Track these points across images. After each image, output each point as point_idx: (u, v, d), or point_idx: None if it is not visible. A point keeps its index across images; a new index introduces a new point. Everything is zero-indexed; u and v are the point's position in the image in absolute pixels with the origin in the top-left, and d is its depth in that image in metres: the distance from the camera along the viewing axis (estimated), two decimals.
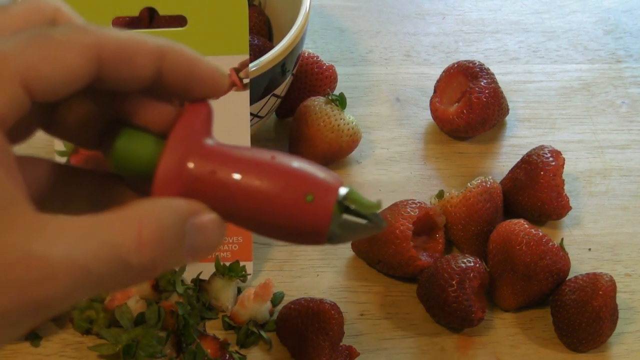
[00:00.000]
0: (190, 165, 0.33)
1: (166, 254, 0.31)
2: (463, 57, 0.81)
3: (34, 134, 0.35)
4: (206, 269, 0.64)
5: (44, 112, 0.34)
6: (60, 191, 0.36)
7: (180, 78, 0.33)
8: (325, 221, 0.32)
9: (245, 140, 0.63)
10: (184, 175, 0.33)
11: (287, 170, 0.33)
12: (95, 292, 0.30)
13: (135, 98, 0.34)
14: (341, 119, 0.71)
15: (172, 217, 0.31)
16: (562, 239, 0.64)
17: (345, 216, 0.33)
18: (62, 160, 0.35)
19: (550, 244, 0.62)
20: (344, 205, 0.33)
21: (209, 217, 0.33)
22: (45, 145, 0.62)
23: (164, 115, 0.34)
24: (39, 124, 0.35)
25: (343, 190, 0.33)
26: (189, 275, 0.64)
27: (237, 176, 0.33)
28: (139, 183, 0.36)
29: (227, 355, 0.61)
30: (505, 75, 0.82)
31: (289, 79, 0.70)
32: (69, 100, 0.34)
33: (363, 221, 0.33)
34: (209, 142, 0.34)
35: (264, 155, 0.33)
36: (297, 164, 0.33)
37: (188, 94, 0.34)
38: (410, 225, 0.64)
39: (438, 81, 0.77)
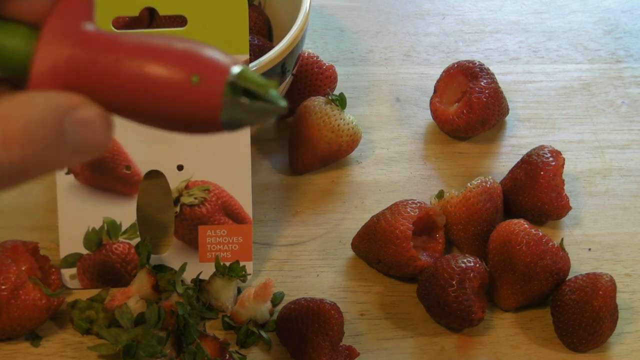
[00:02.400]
0: (68, 53, 0.30)
1: (40, 152, 0.28)
2: (463, 57, 0.81)
3: None
4: (206, 269, 0.64)
5: None
6: None
7: None
8: (215, 104, 0.30)
9: (246, 141, 0.63)
10: (61, 66, 0.30)
11: (171, 51, 0.30)
12: None
13: None
14: (341, 119, 0.71)
15: (42, 111, 0.28)
16: (562, 239, 0.64)
17: (241, 100, 0.30)
18: None
19: (550, 244, 0.62)
20: (237, 87, 0.30)
21: (91, 110, 0.30)
22: None
23: (37, 3, 0.31)
24: None
25: (235, 70, 0.30)
26: (189, 275, 0.64)
27: (117, 62, 0.30)
28: (19, 83, 0.32)
29: (227, 355, 0.61)
30: (505, 75, 0.82)
31: (289, 79, 0.70)
32: None
33: (260, 103, 0.30)
34: (88, 27, 0.31)
35: (148, 39, 0.31)
36: (181, 44, 0.30)
37: None
38: (410, 225, 0.64)
39: (438, 81, 0.77)
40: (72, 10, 0.31)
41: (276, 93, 0.31)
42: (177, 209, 0.65)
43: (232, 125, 0.31)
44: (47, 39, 0.30)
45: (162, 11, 0.58)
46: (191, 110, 0.30)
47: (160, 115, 0.30)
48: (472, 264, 0.62)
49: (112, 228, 0.64)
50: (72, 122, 0.29)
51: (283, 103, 0.31)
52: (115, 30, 0.31)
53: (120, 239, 0.65)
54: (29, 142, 0.28)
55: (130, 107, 0.30)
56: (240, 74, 0.30)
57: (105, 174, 0.64)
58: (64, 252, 0.64)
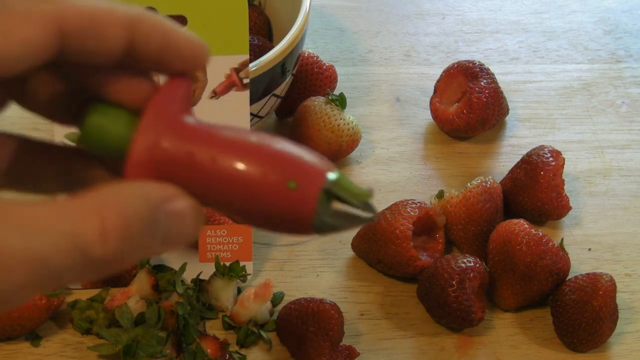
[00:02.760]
0: (166, 144, 0.30)
1: (134, 244, 0.28)
2: (463, 57, 0.81)
3: (8, 106, 0.33)
4: (206, 269, 0.64)
5: (13, 85, 0.32)
6: (32, 169, 0.34)
7: (155, 49, 0.31)
8: (309, 211, 0.30)
9: None
10: (158, 156, 0.30)
11: (269, 153, 0.30)
12: (56, 285, 0.28)
13: (108, 72, 0.31)
14: (341, 119, 0.71)
15: (140, 204, 0.28)
16: (562, 239, 0.64)
17: (334, 205, 0.30)
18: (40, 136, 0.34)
19: (550, 244, 0.62)
20: (332, 193, 0.30)
21: (184, 203, 0.30)
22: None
23: (139, 90, 0.31)
24: (10, 97, 0.32)
25: (331, 176, 0.30)
26: (189, 275, 0.64)
27: (215, 158, 0.30)
28: (114, 163, 0.33)
29: (227, 355, 0.61)
30: (505, 75, 0.82)
31: (289, 79, 0.70)
32: (38, 74, 0.31)
33: (353, 211, 0.30)
34: (187, 119, 0.31)
35: (246, 136, 0.31)
36: (281, 145, 0.30)
37: (165, 67, 0.31)
38: (410, 225, 0.64)
39: (438, 81, 0.77)
40: (171, 99, 0.31)
41: (370, 204, 0.31)
42: None
43: (323, 230, 0.31)
44: (146, 126, 0.30)
45: (162, 11, 0.58)
46: (285, 213, 0.30)
47: (252, 214, 0.30)
48: (472, 264, 0.62)
49: None
50: (166, 214, 0.29)
51: (375, 214, 0.31)
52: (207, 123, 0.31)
53: None
54: (126, 236, 0.28)
55: (223, 202, 0.30)
56: (336, 182, 0.30)
57: None
58: None
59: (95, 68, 0.31)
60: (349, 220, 0.31)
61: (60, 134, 0.56)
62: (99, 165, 0.34)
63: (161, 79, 0.32)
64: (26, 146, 0.34)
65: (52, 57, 0.29)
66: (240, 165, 0.30)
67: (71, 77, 0.32)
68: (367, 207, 0.31)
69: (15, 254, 0.26)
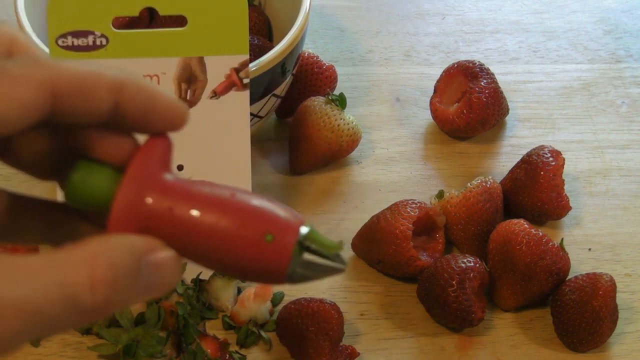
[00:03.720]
0: (148, 200, 0.32)
1: (120, 292, 0.30)
2: (463, 57, 0.81)
3: None
4: (206, 269, 0.64)
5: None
6: (14, 221, 0.35)
7: (138, 111, 0.33)
8: (284, 262, 0.32)
9: (245, 141, 0.63)
10: (140, 210, 0.32)
11: (246, 208, 0.32)
12: (47, 333, 0.29)
13: (93, 131, 0.33)
14: (341, 119, 0.71)
15: (126, 255, 0.30)
16: (562, 239, 0.64)
17: (306, 256, 0.32)
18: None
19: (550, 244, 0.62)
20: (304, 246, 0.32)
21: (165, 254, 0.32)
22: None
23: (122, 148, 0.33)
24: None
25: (304, 230, 0.32)
26: (189, 275, 0.64)
27: (194, 213, 0.32)
28: (96, 216, 0.35)
29: (227, 355, 0.61)
30: (505, 75, 0.82)
31: (289, 79, 0.70)
32: (24, 132, 0.32)
33: (324, 262, 0.32)
34: (167, 177, 0.33)
35: (224, 192, 0.33)
36: (257, 201, 0.32)
37: (147, 128, 0.34)
38: (410, 225, 0.64)
39: (438, 81, 0.77)
40: (152, 157, 0.33)
41: (340, 255, 0.33)
42: None
43: (295, 279, 0.32)
44: (128, 183, 0.32)
45: (162, 11, 0.58)
46: (260, 265, 0.32)
47: (229, 265, 0.32)
48: (472, 264, 0.62)
49: None
50: (148, 264, 0.31)
51: (344, 265, 0.33)
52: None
53: None
54: (113, 285, 0.29)
55: (201, 254, 0.32)
56: (308, 235, 0.32)
57: None
58: None
59: (81, 127, 0.33)
60: (320, 271, 0.33)
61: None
62: (82, 219, 0.35)
63: (142, 139, 0.34)
64: (10, 200, 0.35)
65: (43, 117, 0.31)
66: (219, 220, 0.32)
67: (56, 135, 0.34)
68: (338, 258, 0.33)
69: (9, 303, 0.28)
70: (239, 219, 0.32)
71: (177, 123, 0.34)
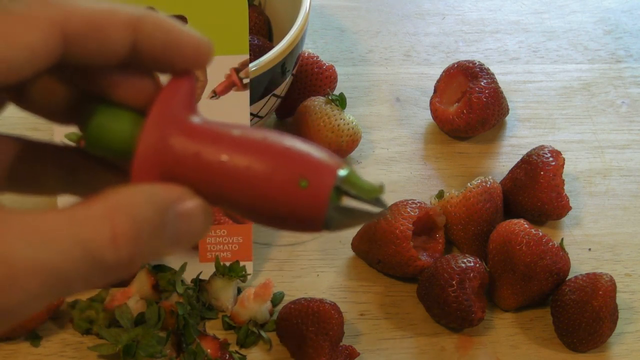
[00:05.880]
0: (172, 144, 0.30)
1: (145, 247, 0.28)
2: (463, 57, 0.81)
3: (5, 108, 0.32)
4: (206, 269, 0.64)
5: (12, 88, 0.31)
6: (33, 171, 0.33)
7: (158, 49, 0.30)
8: (321, 209, 0.29)
9: None
10: (165, 156, 0.30)
11: (278, 151, 0.30)
12: (68, 293, 0.28)
13: (111, 72, 0.31)
14: (341, 119, 0.71)
15: (149, 208, 0.28)
16: (562, 239, 0.64)
17: (344, 202, 0.30)
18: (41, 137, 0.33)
19: (550, 244, 0.62)
20: (342, 190, 0.30)
21: (192, 203, 0.30)
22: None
23: (143, 90, 0.31)
24: (9, 99, 0.32)
25: (342, 173, 0.30)
26: (189, 275, 0.64)
27: (223, 158, 0.29)
28: (120, 164, 0.33)
29: (227, 355, 0.61)
30: (505, 75, 0.82)
31: (289, 79, 0.70)
32: (39, 77, 0.31)
33: (363, 207, 0.30)
34: (193, 119, 0.31)
35: (255, 134, 0.30)
36: (290, 143, 0.30)
37: (169, 66, 0.31)
38: (410, 225, 0.64)
39: (438, 81, 0.77)
40: (176, 98, 0.31)
41: (381, 199, 0.30)
42: None
43: (334, 226, 0.30)
44: (151, 126, 0.30)
45: (162, 11, 0.58)
46: (295, 212, 0.30)
47: (262, 214, 0.30)
48: (472, 264, 0.62)
49: None
50: (174, 215, 0.29)
51: (386, 210, 0.30)
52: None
53: None
54: (136, 240, 0.28)
55: (231, 202, 0.30)
56: (346, 179, 0.30)
57: None
58: None
59: (98, 69, 0.31)
60: (359, 217, 0.30)
61: (60, 134, 0.56)
62: (102, 166, 0.34)
63: (164, 79, 0.32)
64: (26, 148, 0.33)
65: (55, 61, 0.29)
66: (250, 165, 0.29)
67: (73, 79, 0.32)
68: (378, 202, 0.30)
69: (25, 265, 0.26)
70: (271, 164, 0.29)
71: (201, 59, 0.31)
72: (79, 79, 0.32)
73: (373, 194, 0.30)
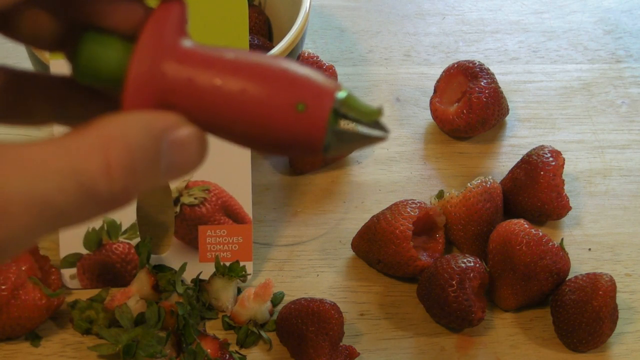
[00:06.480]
0: (165, 70, 0.29)
1: (140, 177, 0.27)
2: (463, 57, 0.81)
3: None
4: (206, 269, 0.64)
5: None
6: (20, 100, 0.32)
7: None
8: (319, 133, 0.29)
9: None
10: (157, 82, 0.29)
11: (274, 74, 0.29)
12: (62, 226, 0.27)
13: None
14: None
15: (143, 135, 0.28)
16: (562, 239, 0.64)
17: (343, 125, 0.29)
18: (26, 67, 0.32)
19: (550, 244, 0.62)
20: (340, 113, 0.29)
21: (187, 130, 0.29)
22: None
23: (132, 15, 0.30)
24: None
25: (340, 95, 0.29)
26: (189, 275, 0.64)
27: (217, 82, 0.29)
28: (111, 94, 0.32)
29: (227, 355, 0.61)
30: (505, 75, 0.82)
31: None
32: (21, 6, 0.30)
33: (363, 130, 0.29)
34: (185, 43, 0.30)
35: (250, 57, 0.29)
36: (286, 66, 0.29)
37: None
38: (410, 225, 0.64)
39: (438, 81, 0.77)
40: (166, 22, 0.30)
41: (380, 122, 0.30)
42: (177, 209, 0.65)
43: (334, 150, 0.30)
44: (142, 52, 0.29)
45: None
46: (293, 137, 0.29)
47: (259, 139, 0.29)
48: (472, 264, 0.62)
49: (112, 228, 0.64)
50: (169, 143, 0.28)
51: (387, 133, 0.30)
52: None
53: (120, 239, 0.65)
54: (131, 169, 0.27)
55: (227, 128, 0.29)
56: (345, 101, 0.29)
57: None
58: (63, 252, 0.64)
59: None
60: (359, 140, 0.30)
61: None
62: (93, 96, 0.33)
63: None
64: (14, 78, 0.32)
65: None
66: (245, 89, 0.29)
67: (60, 7, 0.31)
68: (378, 125, 0.30)
69: (17, 197, 0.26)
70: (267, 87, 0.28)
71: None
72: (65, 7, 0.31)
73: (372, 117, 0.30)
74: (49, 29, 0.31)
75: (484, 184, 0.67)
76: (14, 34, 0.31)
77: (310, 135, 0.29)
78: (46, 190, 0.26)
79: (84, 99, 0.33)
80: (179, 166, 0.29)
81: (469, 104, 0.73)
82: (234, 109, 0.29)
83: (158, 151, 0.28)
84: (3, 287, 0.59)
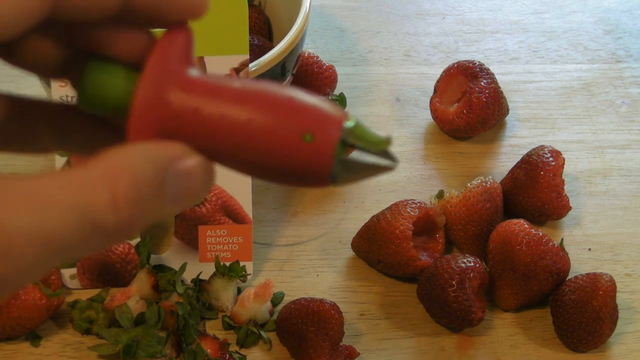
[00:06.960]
0: (170, 99, 0.29)
1: (146, 208, 0.27)
2: (463, 57, 0.81)
3: None
4: (206, 269, 0.64)
5: (0, 45, 0.30)
6: (23, 127, 0.32)
7: (151, 0, 0.29)
8: (326, 164, 0.28)
9: None
10: (162, 111, 0.29)
11: (281, 103, 0.28)
12: (66, 259, 0.27)
13: (104, 27, 0.30)
14: None
15: (150, 166, 0.27)
16: (562, 239, 0.64)
17: (351, 155, 0.29)
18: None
19: (550, 244, 0.62)
20: (347, 143, 0.29)
21: (192, 161, 0.29)
22: None
23: (137, 44, 0.30)
24: None
25: (348, 125, 0.29)
26: (189, 275, 0.64)
27: (223, 112, 0.28)
28: (116, 122, 0.31)
29: (227, 355, 0.61)
30: (505, 75, 0.82)
31: (289, 79, 0.70)
32: (26, 35, 0.30)
33: (371, 160, 0.29)
34: (190, 72, 0.30)
35: (256, 86, 0.29)
36: (292, 94, 0.29)
37: (163, 18, 0.30)
38: (410, 225, 0.64)
39: (438, 81, 0.77)
40: (172, 51, 0.30)
41: (389, 151, 0.29)
42: None
43: (342, 180, 0.29)
44: (147, 80, 0.29)
45: None
46: (300, 167, 0.28)
47: (265, 170, 0.29)
48: (472, 264, 0.62)
49: None
50: (175, 173, 0.28)
51: (395, 162, 0.29)
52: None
53: None
54: (137, 202, 0.27)
55: (233, 157, 0.29)
56: (352, 131, 0.29)
57: None
58: None
59: (90, 25, 0.30)
60: (367, 170, 0.29)
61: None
62: (97, 124, 0.32)
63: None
64: (18, 105, 0.32)
65: (44, 16, 0.28)
66: (251, 118, 0.28)
67: (65, 35, 0.31)
68: (386, 154, 0.29)
69: (23, 233, 0.25)
70: (274, 117, 0.28)
71: (197, 9, 0.30)
72: (71, 35, 0.31)
73: (380, 146, 0.29)
74: (52, 56, 0.31)
75: (484, 184, 0.67)
76: (17, 61, 0.31)
77: (317, 166, 0.28)
78: (51, 224, 0.26)
79: (88, 127, 0.33)
80: (186, 196, 0.29)
81: (469, 104, 0.73)
82: (240, 139, 0.28)
83: (164, 182, 0.28)
84: None
